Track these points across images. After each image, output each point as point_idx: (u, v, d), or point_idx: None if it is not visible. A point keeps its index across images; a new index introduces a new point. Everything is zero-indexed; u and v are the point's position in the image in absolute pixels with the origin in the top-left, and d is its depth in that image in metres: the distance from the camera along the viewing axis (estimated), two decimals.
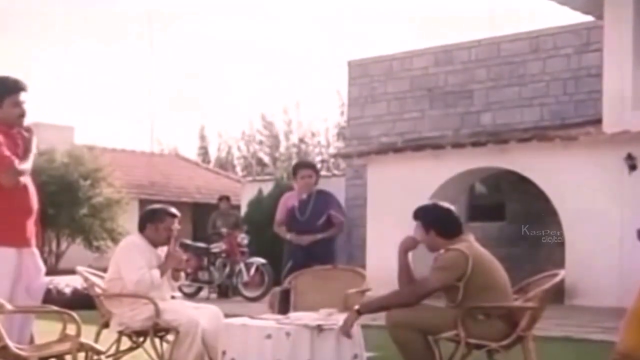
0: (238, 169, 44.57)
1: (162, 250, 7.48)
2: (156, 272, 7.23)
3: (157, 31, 62.35)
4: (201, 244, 18.79)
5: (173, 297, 7.69)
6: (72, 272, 8.48)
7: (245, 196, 25.40)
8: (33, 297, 6.22)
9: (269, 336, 6.27)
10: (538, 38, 20.01)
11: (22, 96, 6.18)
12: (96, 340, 6.77)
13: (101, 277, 7.60)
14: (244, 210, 24.15)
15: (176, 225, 7.50)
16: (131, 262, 7.22)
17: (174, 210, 7.60)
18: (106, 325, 7.29)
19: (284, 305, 7.60)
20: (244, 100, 64.06)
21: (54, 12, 58.17)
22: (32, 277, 6.18)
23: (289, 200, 9.69)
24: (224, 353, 6.50)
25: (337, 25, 62.56)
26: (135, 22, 62.67)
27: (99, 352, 5.94)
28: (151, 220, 7.48)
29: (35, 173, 6.34)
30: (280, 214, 9.70)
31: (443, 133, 20.56)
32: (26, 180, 6.14)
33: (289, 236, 9.54)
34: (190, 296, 17.31)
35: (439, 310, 6.25)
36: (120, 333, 7.23)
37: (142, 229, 7.51)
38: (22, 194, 6.10)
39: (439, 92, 21.49)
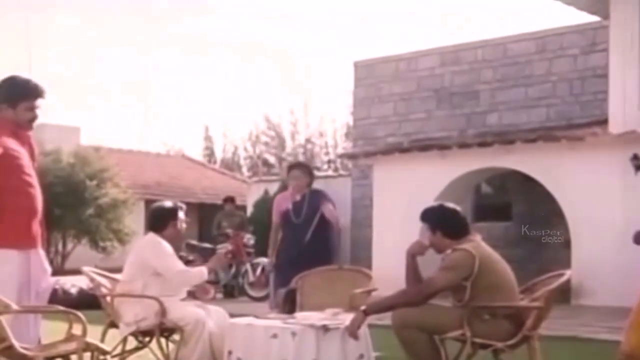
0: (244, 169, 44.63)
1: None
2: (203, 269, 7.45)
3: (161, 30, 62.37)
4: (207, 245, 18.80)
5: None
6: (78, 272, 8.50)
7: (251, 197, 25.41)
8: (40, 297, 6.22)
9: (274, 336, 6.28)
10: (544, 38, 19.99)
11: (38, 102, 6.21)
12: (102, 340, 6.79)
13: (107, 277, 7.61)
14: (250, 210, 24.16)
15: (184, 217, 7.69)
16: (172, 254, 7.38)
17: (179, 202, 7.85)
18: (112, 325, 7.30)
19: (289, 305, 7.61)
20: (249, 101, 64.14)
21: (59, 11, 58.28)
22: (39, 278, 6.19)
23: (282, 202, 9.54)
24: (229, 353, 6.51)
25: (344, 25, 62.62)
26: (138, 21, 62.71)
27: (104, 352, 5.95)
28: (174, 218, 7.52)
29: (41, 174, 6.34)
30: (275, 216, 9.58)
31: (449, 133, 20.54)
32: (32, 180, 6.14)
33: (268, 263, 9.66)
34: (196, 296, 17.31)
35: (444, 310, 6.26)
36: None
37: (162, 228, 7.50)
38: (27, 195, 6.10)
39: (445, 92, 21.48)
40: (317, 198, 9.38)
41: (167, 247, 7.38)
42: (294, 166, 9.89)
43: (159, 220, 7.55)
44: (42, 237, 6.24)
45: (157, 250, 7.32)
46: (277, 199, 9.73)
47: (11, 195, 5.98)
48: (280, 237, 9.57)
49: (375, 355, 7.05)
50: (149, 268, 7.24)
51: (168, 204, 7.75)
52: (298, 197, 9.34)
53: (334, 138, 43.70)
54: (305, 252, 8.96)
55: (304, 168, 9.66)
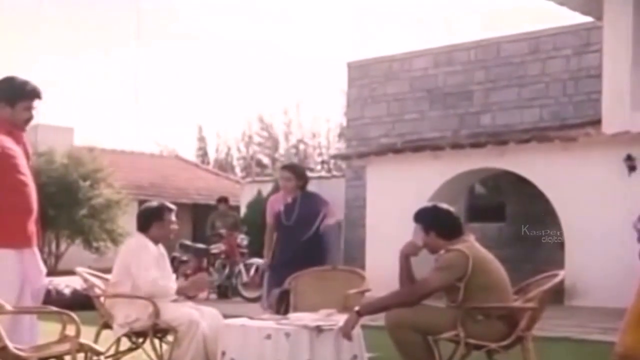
0: (237, 170, 44.60)
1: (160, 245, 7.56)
2: (174, 285, 7.29)
3: (156, 30, 62.28)
4: (201, 245, 18.80)
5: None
6: (71, 272, 8.48)
7: (244, 197, 25.42)
8: (34, 298, 6.21)
9: (268, 337, 6.27)
10: (537, 39, 20.03)
11: (36, 103, 6.25)
12: (95, 340, 6.77)
13: (101, 278, 7.60)
14: (243, 211, 24.16)
15: (174, 219, 7.62)
16: (147, 261, 7.26)
17: (169, 204, 7.72)
18: (106, 325, 7.29)
19: (282, 306, 7.61)
20: (243, 101, 64.14)
21: (54, 12, 58.20)
22: (34, 278, 6.18)
23: (275, 204, 9.53)
24: (223, 353, 6.50)
25: (337, 26, 62.63)
26: (132, 20, 62.63)
27: (98, 353, 5.93)
28: (158, 218, 7.50)
29: (35, 174, 6.35)
30: (269, 217, 9.57)
31: (442, 134, 20.57)
32: (27, 179, 6.15)
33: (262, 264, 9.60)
34: (190, 297, 17.29)
35: (438, 311, 6.26)
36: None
37: (146, 228, 7.51)
38: (23, 193, 6.10)
39: (439, 93, 21.51)
40: (313, 202, 9.36)
41: (149, 251, 7.32)
42: (284, 167, 9.89)
43: (144, 221, 7.57)
44: (37, 236, 6.25)
45: (136, 255, 7.33)
46: (270, 201, 9.74)
47: (7, 194, 5.99)
48: (275, 238, 9.57)
49: (369, 356, 7.05)
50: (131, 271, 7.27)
51: (154, 204, 7.77)
52: (290, 200, 9.33)
53: (327, 138, 43.74)
54: (299, 253, 8.96)
55: (293, 170, 9.63)
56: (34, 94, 6.25)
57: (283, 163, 14.37)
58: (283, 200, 9.40)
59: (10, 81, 6.26)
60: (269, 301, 8.68)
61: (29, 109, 6.23)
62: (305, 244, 9.09)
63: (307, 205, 9.27)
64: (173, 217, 7.59)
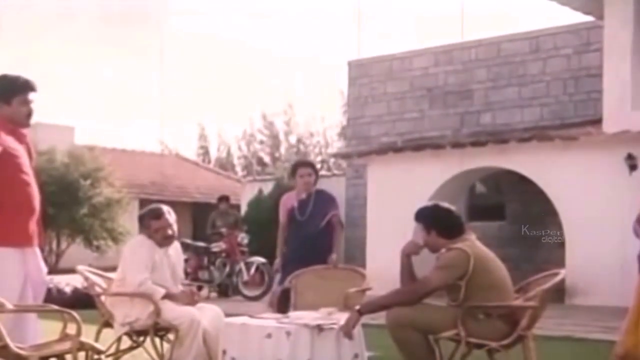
0: (238, 168, 44.62)
1: (175, 249, 7.54)
2: (161, 290, 7.18)
3: (157, 30, 62.36)
4: (201, 244, 18.80)
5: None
6: (72, 271, 8.48)
7: (245, 196, 25.42)
8: (35, 297, 6.22)
9: (269, 335, 6.28)
10: (538, 38, 20.00)
11: (31, 96, 6.22)
12: (96, 339, 6.77)
13: (102, 277, 7.61)
14: (244, 210, 24.16)
15: (167, 222, 7.44)
16: (138, 262, 7.23)
17: (160, 210, 7.50)
18: (106, 324, 7.29)
19: (282, 304, 7.60)
20: (244, 100, 64.12)
21: (53, 12, 58.19)
22: (35, 277, 6.18)
23: (288, 201, 9.51)
24: (224, 352, 6.52)
25: (337, 25, 62.61)
26: (131, 20, 62.65)
27: (99, 352, 5.93)
28: (142, 226, 7.51)
29: (36, 173, 6.34)
30: (282, 216, 9.45)
31: (443, 133, 20.56)
32: (29, 178, 6.15)
33: (275, 267, 9.55)
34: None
35: (439, 310, 6.26)
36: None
37: (140, 231, 7.59)
38: (25, 193, 6.10)
39: (439, 92, 21.49)
40: (324, 201, 9.34)
41: (144, 252, 7.29)
42: (305, 164, 9.79)
43: (139, 225, 7.65)
44: (39, 235, 6.25)
45: (128, 255, 7.38)
46: (283, 199, 9.62)
47: (9, 193, 5.99)
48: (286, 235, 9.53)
49: (370, 354, 7.05)
50: None
51: (144, 211, 7.70)
52: (304, 196, 9.30)
53: (324, 137, 43.80)
54: (310, 249, 8.92)
55: (312, 166, 9.64)
56: (27, 86, 6.22)
57: (297, 160, 14.11)
58: (297, 198, 9.37)
59: (1, 80, 6.24)
60: (270, 299, 8.69)
61: (26, 102, 6.20)
62: (313, 239, 9.05)
63: (321, 201, 9.27)
64: (158, 225, 7.41)
